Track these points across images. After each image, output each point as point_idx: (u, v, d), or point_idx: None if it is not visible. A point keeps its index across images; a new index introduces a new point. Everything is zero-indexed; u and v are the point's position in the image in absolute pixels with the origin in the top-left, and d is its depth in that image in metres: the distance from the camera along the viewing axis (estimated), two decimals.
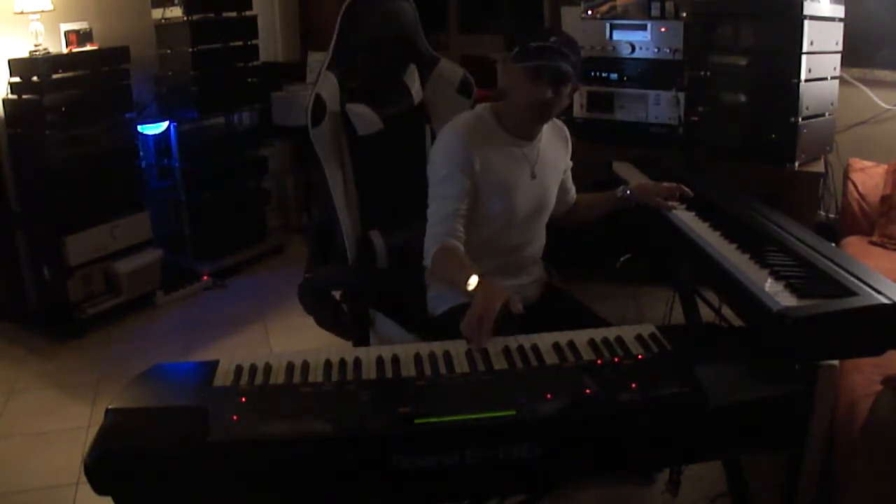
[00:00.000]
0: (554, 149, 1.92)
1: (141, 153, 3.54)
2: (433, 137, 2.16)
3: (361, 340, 1.91)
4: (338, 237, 1.97)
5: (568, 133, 2.00)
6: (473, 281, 1.53)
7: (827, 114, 2.82)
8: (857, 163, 3.07)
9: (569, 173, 2.04)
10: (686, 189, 2.01)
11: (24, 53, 3.07)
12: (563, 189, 2.04)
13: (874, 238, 2.85)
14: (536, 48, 1.69)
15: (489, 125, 1.80)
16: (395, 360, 1.37)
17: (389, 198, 2.06)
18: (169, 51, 3.67)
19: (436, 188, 1.75)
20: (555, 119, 1.89)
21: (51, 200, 3.13)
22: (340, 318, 2.00)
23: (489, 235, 1.81)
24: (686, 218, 1.92)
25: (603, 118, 3.20)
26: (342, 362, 1.37)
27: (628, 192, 2.04)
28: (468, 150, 1.73)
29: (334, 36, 1.97)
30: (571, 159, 2.02)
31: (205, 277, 3.76)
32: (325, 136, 1.92)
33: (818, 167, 2.83)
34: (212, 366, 1.36)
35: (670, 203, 1.99)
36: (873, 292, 1.39)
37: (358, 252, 1.98)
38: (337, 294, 2.02)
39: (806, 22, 2.59)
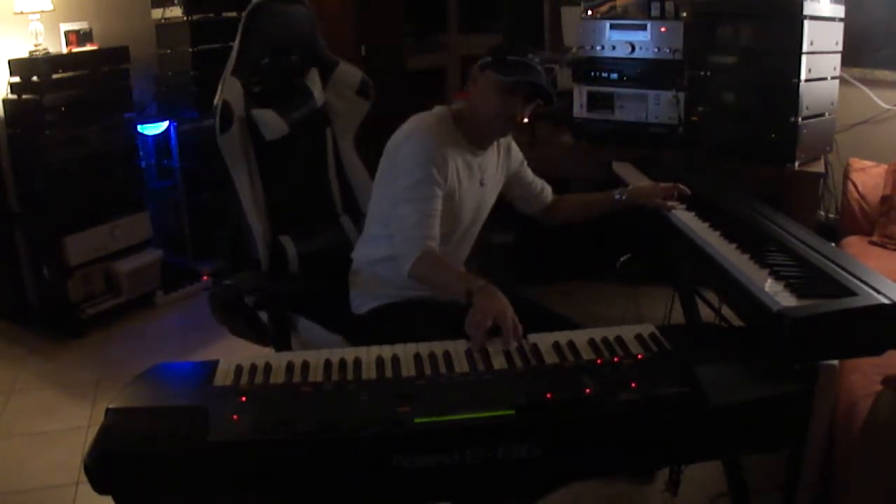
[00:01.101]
0: (496, 158, 1.93)
1: (141, 153, 3.55)
2: (334, 139, 2.18)
3: (283, 345, 1.89)
4: (250, 243, 1.97)
5: (510, 137, 1.99)
6: (476, 285, 1.52)
7: (827, 114, 2.82)
8: (857, 163, 3.07)
9: (526, 170, 2.03)
10: (683, 188, 2.01)
11: (24, 53, 3.07)
12: (525, 185, 2.04)
13: (874, 238, 2.85)
14: (518, 63, 1.70)
15: (449, 127, 1.80)
16: (395, 360, 1.37)
17: (298, 202, 2.07)
18: (169, 51, 3.67)
19: (407, 192, 1.71)
20: None
21: (51, 200, 3.13)
22: (256, 324, 1.99)
23: None
24: (686, 218, 1.92)
25: (603, 118, 3.20)
26: (342, 362, 1.37)
27: (624, 197, 2.03)
28: (441, 149, 1.72)
29: (236, 41, 1.98)
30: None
31: (205, 277, 3.76)
32: (233, 142, 1.92)
33: (818, 167, 2.83)
34: (212, 366, 1.36)
35: (669, 203, 1.99)
36: (873, 292, 1.39)
37: (270, 257, 1.98)
38: (251, 301, 2.00)
39: (806, 22, 2.58)
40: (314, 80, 2.14)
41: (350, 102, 2.21)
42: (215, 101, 1.89)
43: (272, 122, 1.98)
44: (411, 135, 1.76)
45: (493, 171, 1.92)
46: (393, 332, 1.48)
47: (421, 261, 1.66)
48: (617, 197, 2.04)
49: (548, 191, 2.08)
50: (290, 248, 1.98)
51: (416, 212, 1.69)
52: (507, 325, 1.43)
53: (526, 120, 1.81)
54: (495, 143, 1.91)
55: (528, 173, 2.05)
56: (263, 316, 1.96)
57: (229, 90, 1.91)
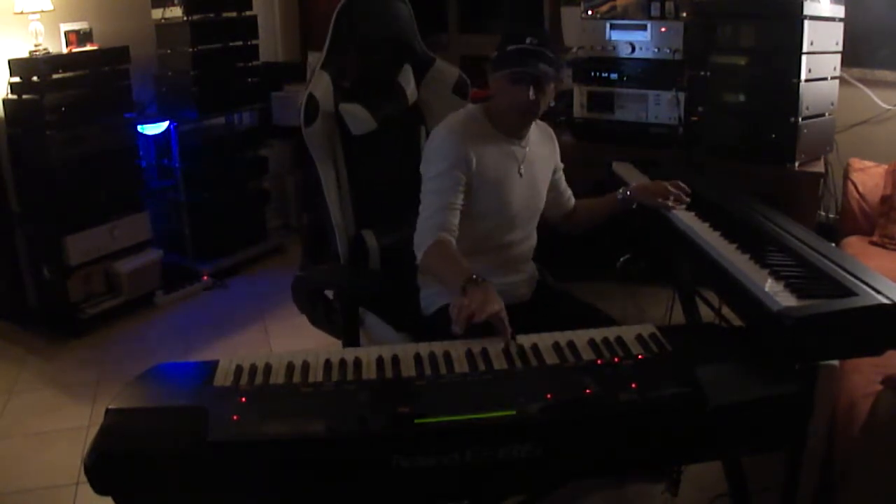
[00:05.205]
0: (542, 149, 1.94)
1: (141, 153, 3.55)
2: (427, 138, 2.17)
3: (351, 339, 1.91)
4: (330, 236, 1.98)
5: (553, 133, 2.01)
6: (469, 280, 1.52)
7: (827, 114, 2.82)
8: (857, 163, 3.07)
9: (561, 174, 2.04)
10: (683, 186, 2.01)
11: (24, 53, 3.08)
12: (556, 191, 2.04)
13: (874, 238, 2.85)
14: (515, 52, 1.70)
15: (481, 123, 1.81)
16: (395, 360, 1.37)
17: (383, 198, 2.06)
18: (169, 51, 3.67)
19: (430, 184, 1.75)
20: (538, 121, 1.90)
21: (51, 200, 3.13)
22: (332, 316, 2.00)
23: (482, 232, 1.81)
24: (686, 218, 1.92)
25: (603, 118, 3.20)
26: (342, 362, 1.37)
27: (628, 193, 2.03)
28: (464, 147, 1.74)
29: (328, 35, 1.98)
30: (565, 160, 2.03)
31: (205, 277, 3.76)
32: (318, 136, 1.92)
33: (818, 167, 2.83)
34: (212, 366, 1.36)
35: (671, 201, 1.98)
36: (873, 292, 1.39)
37: (350, 251, 1.98)
38: (330, 293, 2.02)
39: (806, 22, 2.58)
40: (407, 78, 2.12)
41: (445, 101, 2.16)
42: (302, 94, 1.90)
43: (360, 117, 1.98)
44: (439, 131, 1.79)
45: (539, 161, 1.91)
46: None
47: (431, 251, 1.67)
48: (620, 196, 2.03)
49: (573, 200, 2.10)
50: (372, 242, 1.98)
51: (433, 203, 1.72)
52: (501, 325, 1.44)
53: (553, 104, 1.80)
54: (539, 136, 1.92)
55: (563, 178, 2.06)
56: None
57: (317, 84, 1.92)
